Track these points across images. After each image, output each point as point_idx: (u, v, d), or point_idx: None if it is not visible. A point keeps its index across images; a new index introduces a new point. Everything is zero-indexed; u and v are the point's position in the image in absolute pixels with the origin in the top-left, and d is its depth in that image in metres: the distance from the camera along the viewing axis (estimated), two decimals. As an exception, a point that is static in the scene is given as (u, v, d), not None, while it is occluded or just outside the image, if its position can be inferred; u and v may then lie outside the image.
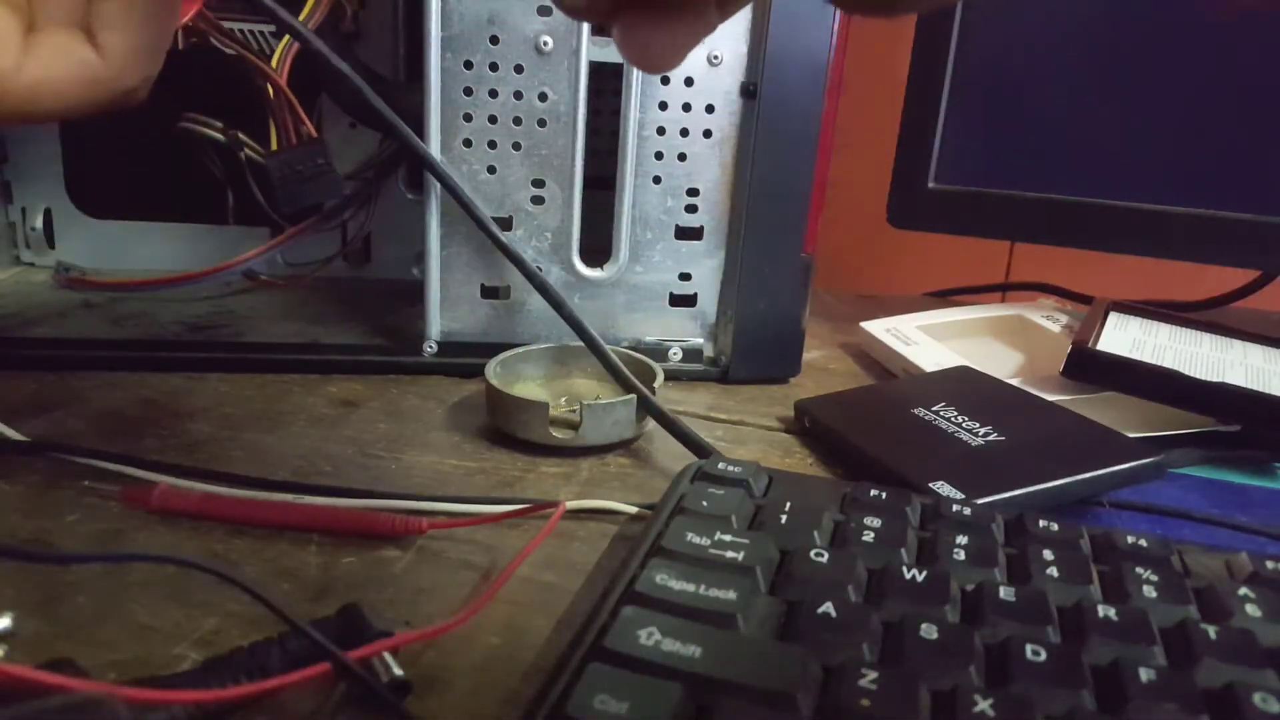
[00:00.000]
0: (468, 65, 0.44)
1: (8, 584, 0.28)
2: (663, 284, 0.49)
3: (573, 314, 0.44)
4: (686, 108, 0.46)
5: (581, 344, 0.45)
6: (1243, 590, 0.25)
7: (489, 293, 0.48)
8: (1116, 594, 0.25)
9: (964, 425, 0.40)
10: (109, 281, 0.54)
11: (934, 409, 0.42)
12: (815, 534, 0.27)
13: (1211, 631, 0.23)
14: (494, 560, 0.31)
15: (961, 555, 0.27)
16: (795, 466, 0.41)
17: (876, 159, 0.65)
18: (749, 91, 0.46)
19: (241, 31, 0.48)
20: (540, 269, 0.47)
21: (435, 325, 0.48)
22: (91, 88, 0.27)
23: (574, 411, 0.40)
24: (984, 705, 0.20)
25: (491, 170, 0.46)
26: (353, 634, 0.25)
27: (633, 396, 0.40)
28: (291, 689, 0.23)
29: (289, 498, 0.33)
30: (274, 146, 0.47)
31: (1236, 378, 0.44)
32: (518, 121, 0.45)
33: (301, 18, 0.45)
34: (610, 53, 0.45)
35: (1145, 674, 0.21)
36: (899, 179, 0.58)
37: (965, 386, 0.45)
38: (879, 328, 0.56)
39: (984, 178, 0.57)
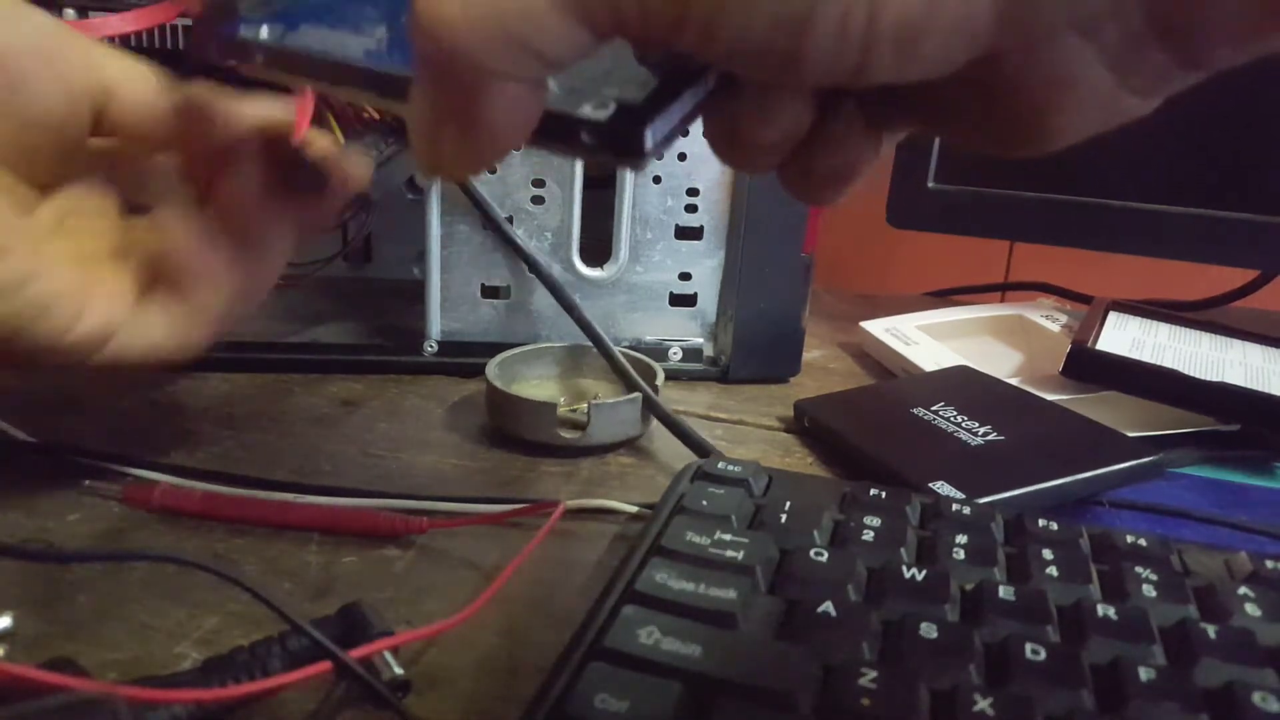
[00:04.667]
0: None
1: (9, 583, 0.28)
2: (663, 284, 0.49)
3: (580, 312, 0.44)
4: (686, 107, 0.46)
5: (581, 344, 0.45)
6: (1242, 589, 0.25)
7: (489, 292, 0.48)
8: (1116, 593, 0.25)
9: (963, 425, 0.40)
10: (109, 281, 0.54)
11: (933, 409, 0.42)
12: (815, 533, 0.27)
13: (1211, 631, 0.23)
14: (494, 560, 0.31)
15: (961, 555, 0.27)
16: (795, 466, 0.41)
17: (876, 159, 0.64)
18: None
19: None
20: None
21: (435, 325, 0.48)
22: (153, 358, 0.31)
23: (575, 411, 0.40)
24: (983, 704, 0.20)
25: (491, 170, 0.46)
26: (353, 633, 0.25)
27: (638, 395, 0.40)
28: (292, 688, 0.23)
29: (290, 497, 0.33)
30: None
31: (1236, 377, 0.44)
32: (518, 121, 0.45)
33: None
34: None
35: (1145, 673, 0.21)
36: (898, 179, 0.58)
37: (964, 386, 0.45)
38: (878, 327, 0.56)
39: (983, 178, 0.57)
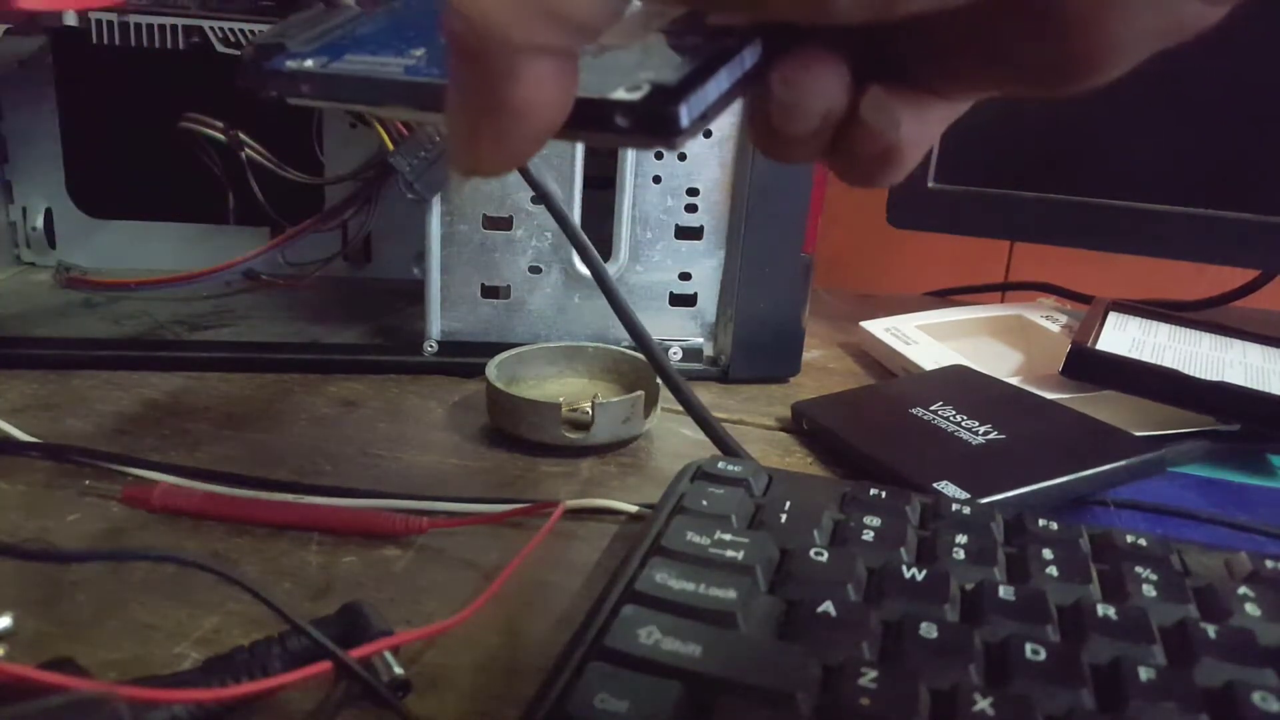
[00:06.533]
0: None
1: (8, 583, 0.28)
2: (663, 284, 0.49)
3: (624, 304, 0.42)
4: (686, 107, 0.46)
5: (580, 344, 0.45)
6: (1242, 589, 0.25)
7: (489, 292, 0.48)
8: (1116, 593, 0.25)
9: (964, 425, 0.40)
10: (109, 281, 0.54)
11: (933, 408, 0.42)
12: (815, 533, 0.27)
13: (1211, 631, 0.23)
14: (494, 560, 0.31)
15: (961, 554, 0.27)
16: (795, 466, 0.41)
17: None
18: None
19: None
20: (540, 269, 0.47)
21: (435, 325, 0.48)
22: None
23: (575, 411, 0.40)
24: (983, 704, 0.20)
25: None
26: (353, 633, 0.25)
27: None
28: (292, 688, 0.23)
29: (290, 497, 0.33)
30: (389, 146, 0.46)
31: (1236, 377, 0.44)
32: (518, 121, 0.45)
33: None
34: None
35: (1144, 673, 0.21)
36: (899, 179, 0.58)
37: (963, 386, 0.45)
38: (878, 327, 0.56)
39: (983, 178, 0.57)
